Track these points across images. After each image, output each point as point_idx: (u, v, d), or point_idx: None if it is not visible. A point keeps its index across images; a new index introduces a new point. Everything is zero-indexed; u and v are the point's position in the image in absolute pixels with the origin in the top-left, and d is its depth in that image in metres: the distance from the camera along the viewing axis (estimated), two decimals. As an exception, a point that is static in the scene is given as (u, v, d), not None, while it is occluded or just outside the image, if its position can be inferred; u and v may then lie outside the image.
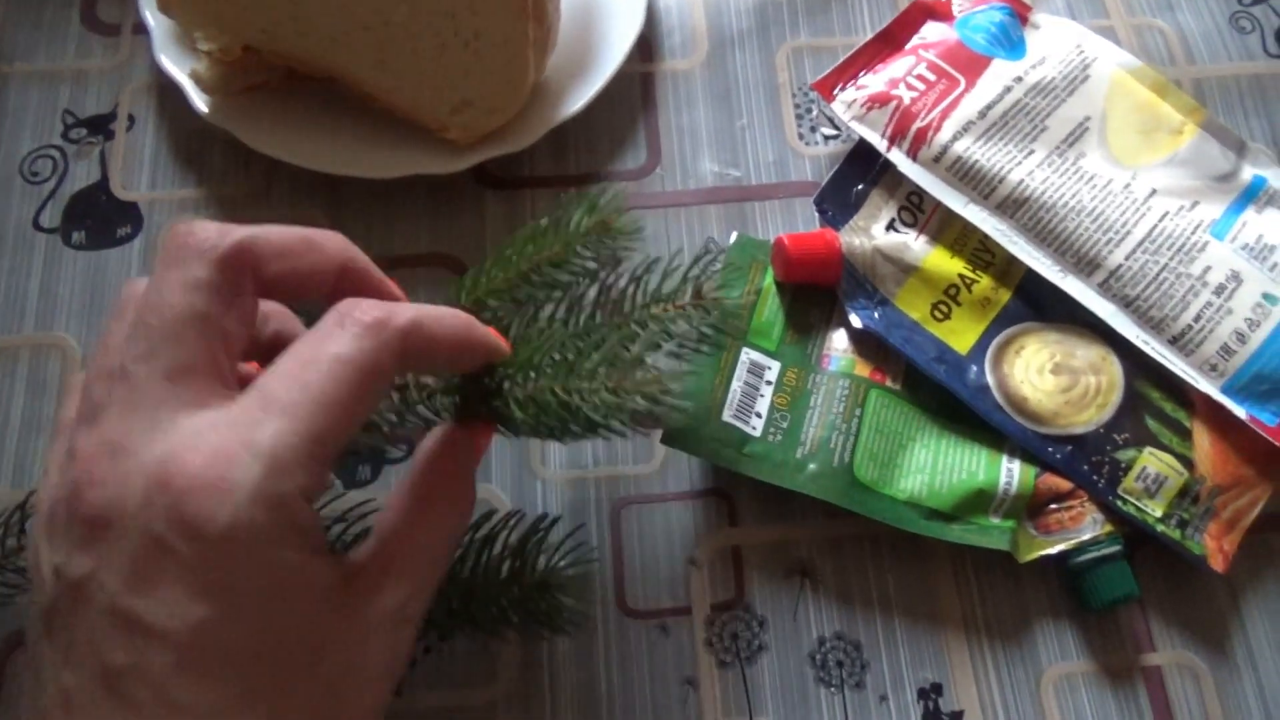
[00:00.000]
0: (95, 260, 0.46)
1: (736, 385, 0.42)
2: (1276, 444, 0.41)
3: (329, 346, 0.25)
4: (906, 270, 0.44)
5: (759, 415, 0.41)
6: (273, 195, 0.47)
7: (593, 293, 0.36)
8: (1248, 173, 0.46)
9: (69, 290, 0.45)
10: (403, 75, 0.44)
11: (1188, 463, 0.41)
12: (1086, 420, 0.42)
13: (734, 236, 0.46)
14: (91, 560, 0.23)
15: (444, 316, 0.28)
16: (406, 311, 0.26)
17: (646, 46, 0.51)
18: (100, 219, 0.46)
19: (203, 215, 0.47)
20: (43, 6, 0.51)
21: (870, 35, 0.48)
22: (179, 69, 0.46)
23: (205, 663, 0.23)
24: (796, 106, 0.50)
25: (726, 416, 0.41)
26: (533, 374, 0.33)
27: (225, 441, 0.23)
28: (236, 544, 0.23)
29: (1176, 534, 0.40)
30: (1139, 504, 0.40)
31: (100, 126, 0.48)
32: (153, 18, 0.47)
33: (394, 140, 0.46)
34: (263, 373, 0.25)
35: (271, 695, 0.24)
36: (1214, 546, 0.40)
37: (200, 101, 0.46)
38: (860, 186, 0.46)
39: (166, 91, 0.48)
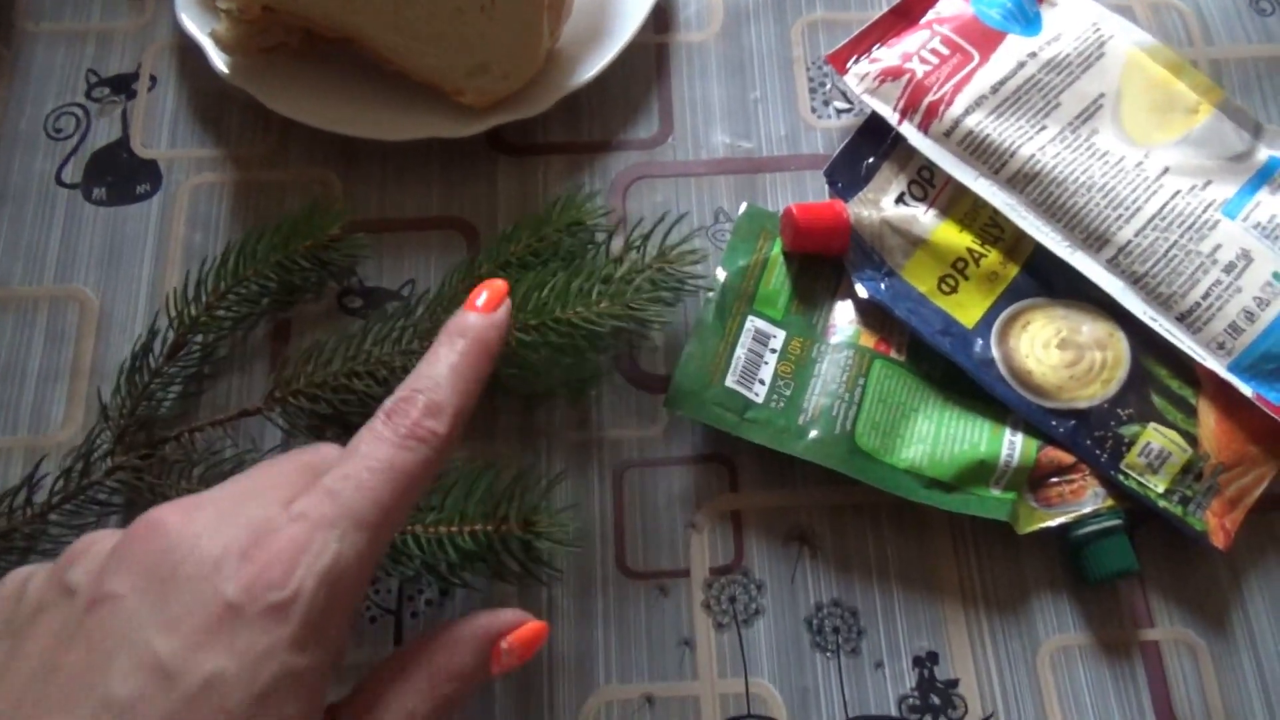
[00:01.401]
0: (115, 216, 0.46)
1: (740, 352, 0.42)
2: (1282, 423, 0.41)
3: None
4: (915, 243, 0.44)
5: (762, 382, 0.42)
6: (289, 156, 0.48)
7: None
8: (1263, 154, 0.45)
9: (88, 244, 0.46)
10: (419, 38, 0.44)
11: (1192, 440, 0.41)
12: (1091, 395, 0.42)
13: (743, 206, 0.46)
14: (125, 586, 0.24)
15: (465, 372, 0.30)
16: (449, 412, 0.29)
17: (662, 17, 0.51)
18: (121, 176, 0.47)
19: (220, 174, 0.47)
20: (70, -32, 0.52)
21: (885, 9, 0.48)
22: (200, 29, 0.47)
23: (200, 714, 0.23)
24: (810, 80, 0.50)
25: (729, 382, 0.41)
26: (536, 296, 0.38)
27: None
28: (296, 612, 0.24)
29: (1178, 510, 0.40)
30: (1141, 479, 0.40)
31: (123, 85, 0.49)
32: (176, -21, 0.48)
33: (408, 103, 0.46)
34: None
35: None
36: (1216, 524, 0.40)
37: (220, 62, 0.46)
38: (871, 160, 0.46)
39: (187, 52, 0.49)
